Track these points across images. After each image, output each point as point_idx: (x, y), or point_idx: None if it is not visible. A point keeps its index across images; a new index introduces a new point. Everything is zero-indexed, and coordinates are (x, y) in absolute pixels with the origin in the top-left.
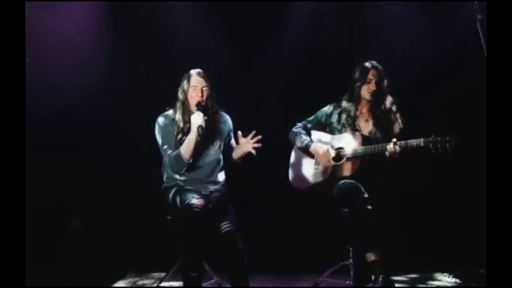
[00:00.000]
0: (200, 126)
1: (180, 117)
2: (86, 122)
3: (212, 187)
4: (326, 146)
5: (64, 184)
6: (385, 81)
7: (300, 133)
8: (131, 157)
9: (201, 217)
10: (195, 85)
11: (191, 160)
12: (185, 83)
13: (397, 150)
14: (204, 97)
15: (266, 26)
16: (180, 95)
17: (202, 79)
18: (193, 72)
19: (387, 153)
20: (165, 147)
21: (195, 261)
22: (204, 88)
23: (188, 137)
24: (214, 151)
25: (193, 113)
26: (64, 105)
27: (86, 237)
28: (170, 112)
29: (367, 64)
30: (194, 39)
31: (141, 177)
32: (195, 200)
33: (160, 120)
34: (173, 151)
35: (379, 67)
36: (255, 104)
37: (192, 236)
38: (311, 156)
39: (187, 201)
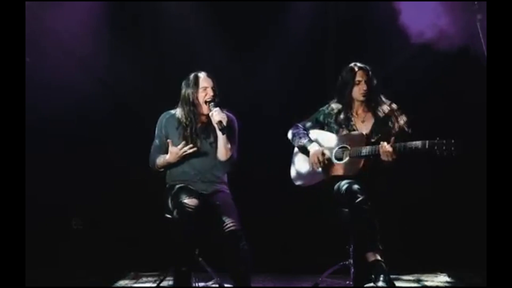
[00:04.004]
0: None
1: (186, 115)
2: (86, 122)
3: (214, 187)
4: (321, 149)
5: (64, 184)
6: (375, 80)
7: (299, 133)
8: (131, 157)
9: (192, 217)
10: (205, 86)
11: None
12: (193, 84)
13: (389, 149)
14: (213, 95)
15: (266, 26)
16: (187, 96)
17: (210, 80)
18: (201, 74)
19: (381, 154)
20: (155, 141)
21: (184, 258)
22: (213, 88)
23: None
24: (216, 151)
25: (202, 112)
26: (64, 105)
27: (86, 237)
28: (173, 111)
29: (353, 66)
30: (194, 38)
31: (141, 177)
32: (186, 200)
33: (161, 116)
34: (158, 146)
35: (365, 67)
36: (255, 104)
37: (182, 235)
38: None
39: (179, 200)
